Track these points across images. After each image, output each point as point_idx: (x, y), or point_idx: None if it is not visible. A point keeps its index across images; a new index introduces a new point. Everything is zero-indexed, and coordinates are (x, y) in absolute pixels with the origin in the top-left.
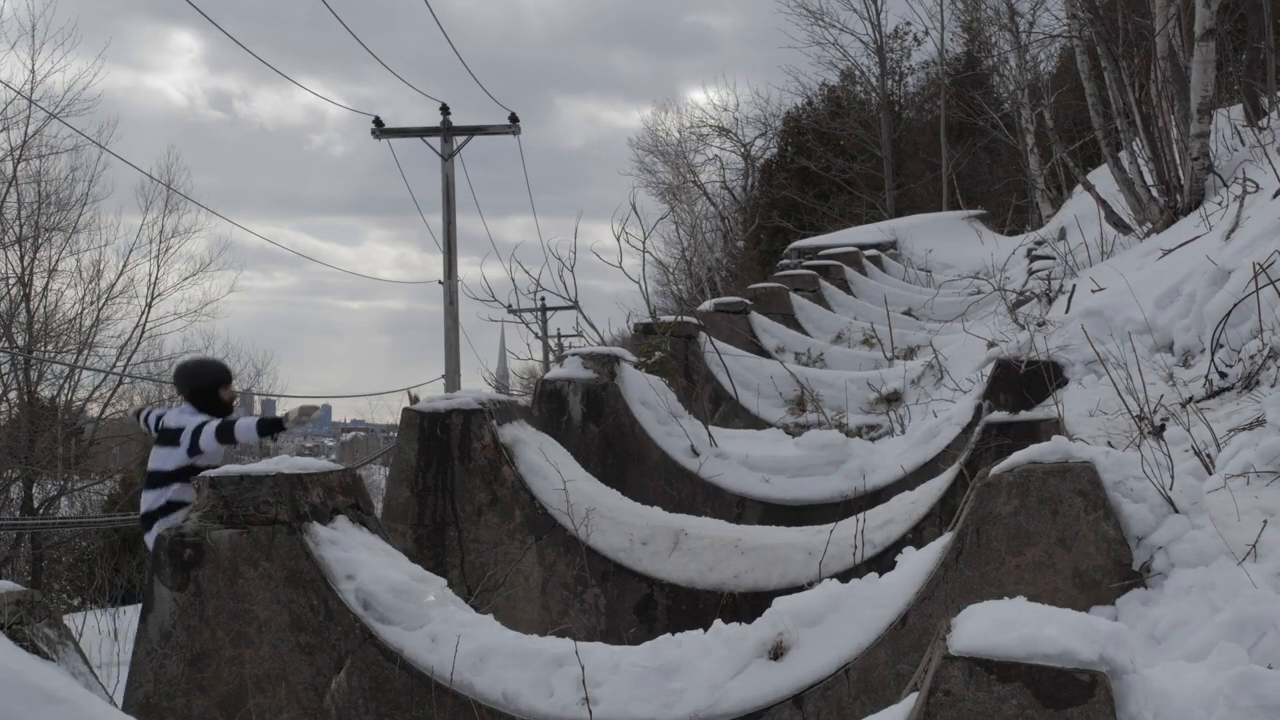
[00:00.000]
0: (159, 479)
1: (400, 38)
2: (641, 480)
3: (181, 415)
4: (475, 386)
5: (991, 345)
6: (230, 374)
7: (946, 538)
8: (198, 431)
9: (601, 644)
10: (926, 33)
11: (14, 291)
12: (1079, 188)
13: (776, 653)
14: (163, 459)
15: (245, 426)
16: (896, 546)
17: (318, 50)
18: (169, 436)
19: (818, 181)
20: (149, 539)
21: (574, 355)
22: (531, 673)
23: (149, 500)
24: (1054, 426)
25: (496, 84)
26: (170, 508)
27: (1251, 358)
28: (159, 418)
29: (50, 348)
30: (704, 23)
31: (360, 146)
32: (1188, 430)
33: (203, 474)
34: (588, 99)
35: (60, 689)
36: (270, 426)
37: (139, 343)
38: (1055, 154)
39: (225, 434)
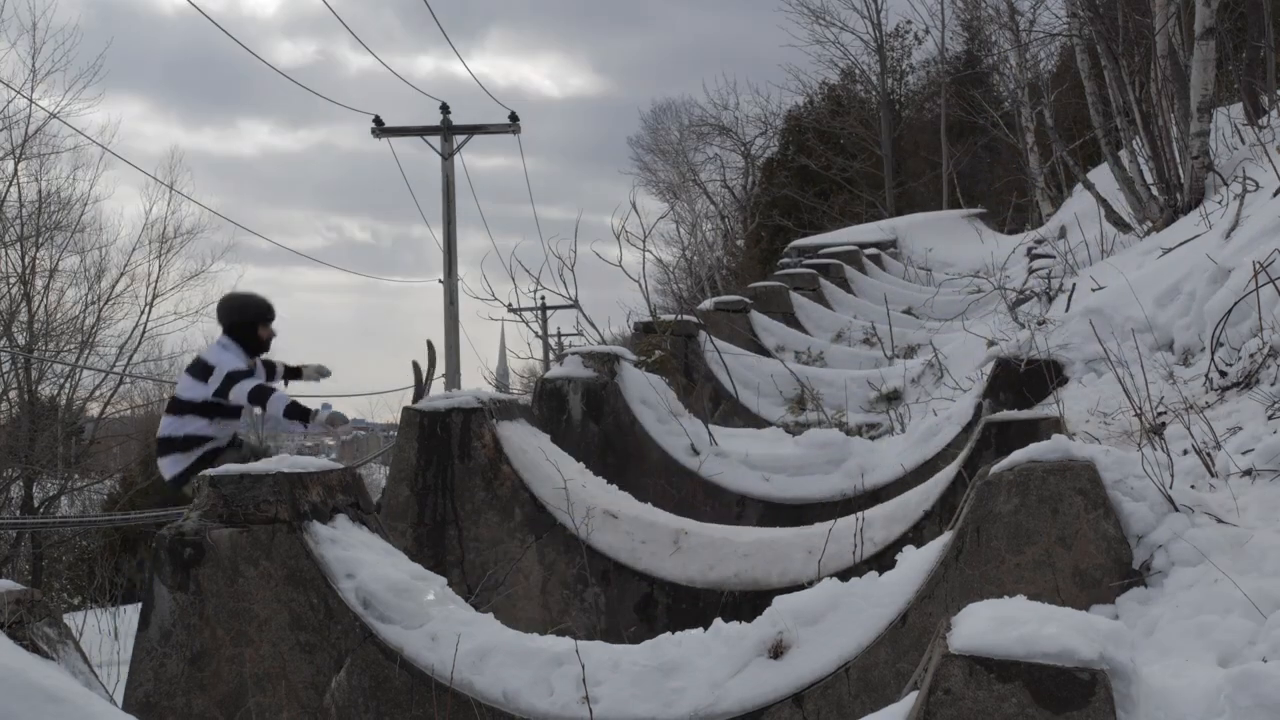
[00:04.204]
0: (181, 407)
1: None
2: (641, 479)
3: (217, 350)
4: (475, 385)
5: (991, 344)
6: (271, 312)
7: (946, 536)
8: (232, 378)
9: (601, 643)
10: (927, 31)
11: (14, 291)
12: (1079, 186)
13: (776, 651)
14: (189, 388)
15: (277, 401)
16: (896, 545)
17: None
18: (200, 369)
19: (818, 180)
20: (163, 465)
21: (574, 354)
22: (531, 671)
23: (167, 426)
24: (1054, 425)
25: (470, 83)
26: (188, 442)
27: (1251, 356)
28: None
29: (51, 347)
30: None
31: (352, 144)
32: (1188, 429)
33: (202, 473)
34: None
35: (60, 688)
36: (296, 413)
37: (139, 342)
38: (1055, 153)
39: (258, 397)
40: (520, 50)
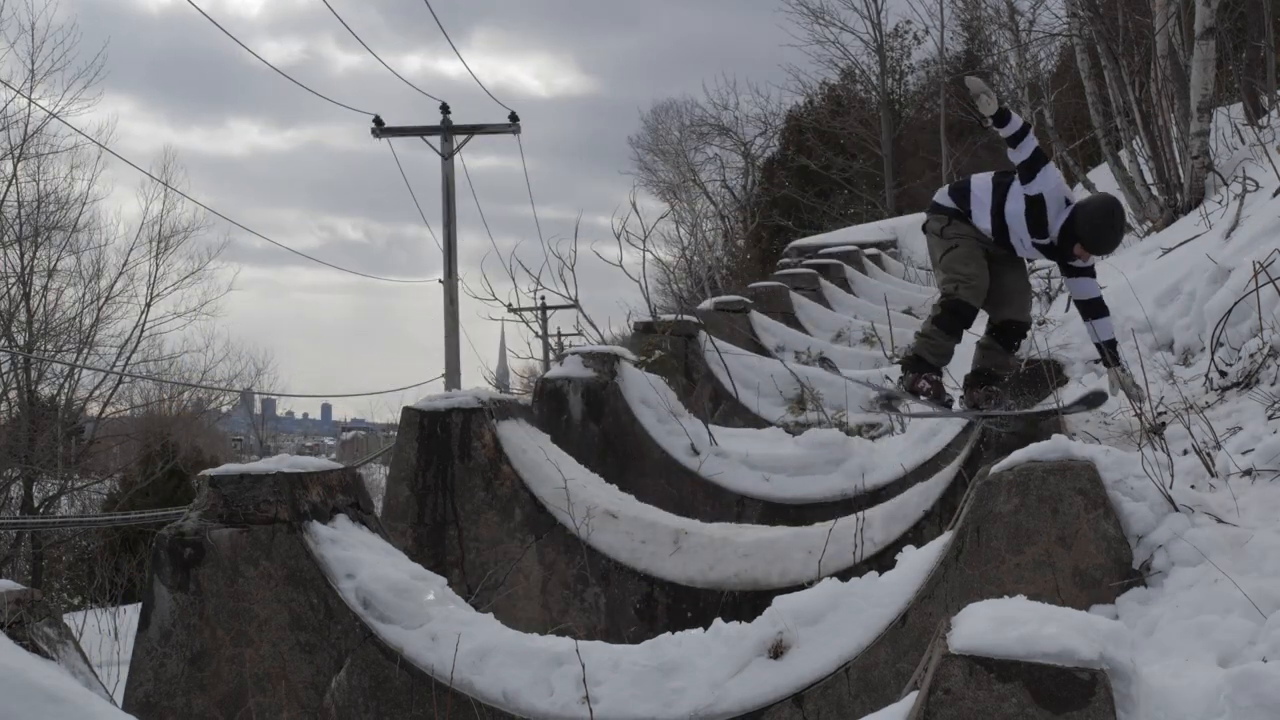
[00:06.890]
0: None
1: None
2: (642, 479)
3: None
4: (475, 385)
5: None
6: (1108, 247)
7: (947, 536)
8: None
9: (601, 643)
10: (926, 31)
11: (14, 291)
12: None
13: (776, 651)
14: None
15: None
16: (896, 545)
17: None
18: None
19: (818, 180)
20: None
21: (574, 354)
22: (531, 671)
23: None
24: (1054, 425)
25: (460, 84)
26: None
27: (1251, 356)
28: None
29: (50, 347)
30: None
31: (343, 144)
32: (1188, 429)
33: (203, 473)
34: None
35: (60, 688)
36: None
37: (139, 342)
38: (1055, 153)
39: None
40: (507, 50)
